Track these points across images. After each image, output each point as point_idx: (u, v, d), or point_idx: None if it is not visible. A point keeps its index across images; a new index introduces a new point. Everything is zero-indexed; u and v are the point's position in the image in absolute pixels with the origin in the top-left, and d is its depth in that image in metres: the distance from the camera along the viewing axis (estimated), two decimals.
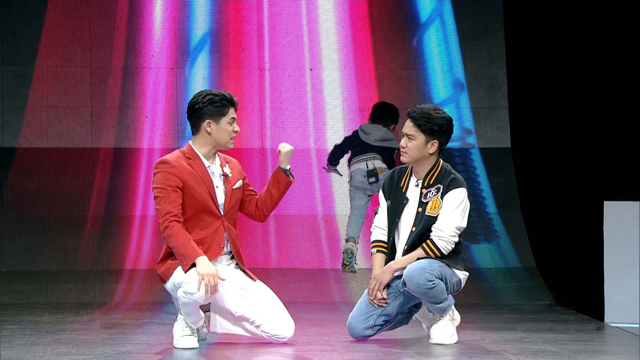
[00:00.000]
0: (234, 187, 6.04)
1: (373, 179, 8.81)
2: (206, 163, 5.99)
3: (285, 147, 6.11)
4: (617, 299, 7.18)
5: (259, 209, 6.18)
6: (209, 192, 5.93)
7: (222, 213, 5.99)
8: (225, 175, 6.02)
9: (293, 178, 6.17)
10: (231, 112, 5.98)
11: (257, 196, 6.19)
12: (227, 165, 6.05)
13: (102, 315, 7.54)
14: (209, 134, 5.95)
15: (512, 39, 9.57)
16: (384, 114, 8.96)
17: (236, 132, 6.01)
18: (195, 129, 5.98)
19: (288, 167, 6.13)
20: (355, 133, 8.91)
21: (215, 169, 6.01)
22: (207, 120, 5.93)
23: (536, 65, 9.60)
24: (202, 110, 5.92)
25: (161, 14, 9.39)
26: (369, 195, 8.88)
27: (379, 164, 8.79)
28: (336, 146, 9.04)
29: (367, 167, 8.78)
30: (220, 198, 6.00)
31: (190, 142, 6.03)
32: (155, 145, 9.24)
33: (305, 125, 9.43)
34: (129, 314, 7.63)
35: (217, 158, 6.05)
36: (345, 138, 9.03)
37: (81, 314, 7.53)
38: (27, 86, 9.18)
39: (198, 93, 6.01)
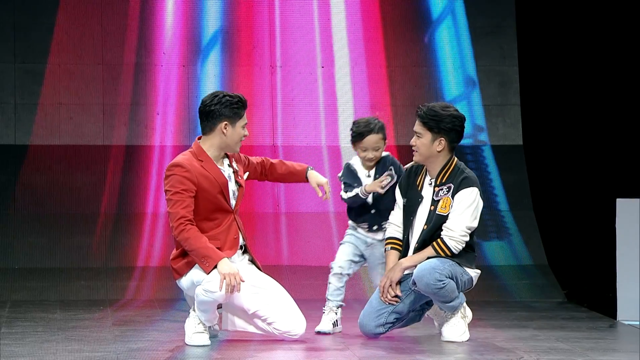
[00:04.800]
0: (244, 180, 6.09)
1: None
2: (217, 164, 6.01)
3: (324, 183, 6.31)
4: (630, 296, 7.15)
5: (264, 175, 6.32)
6: (222, 192, 5.96)
7: (232, 208, 6.02)
8: (235, 171, 6.05)
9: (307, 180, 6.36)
10: (245, 116, 6.02)
11: (268, 161, 6.31)
12: (233, 162, 6.08)
13: (113, 312, 7.54)
14: (224, 135, 5.96)
15: (524, 35, 9.53)
16: None
17: (245, 136, 6.05)
18: (210, 129, 5.98)
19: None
20: None
21: (225, 168, 6.04)
22: (225, 122, 5.94)
23: (548, 62, 9.57)
24: (221, 111, 5.94)
25: (173, 11, 9.38)
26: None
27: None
28: None
29: None
30: (232, 195, 6.02)
31: (199, 142, 6.03)
32: (167, 143, 9.23)
33: (316, 122, 9.41)
34: (141, 311, 7.64)
35: (226, 158, 6.08)
36: None
37: (93, 311, 7.54)
38: (39, 84, 9.17)
39: (214, 94, 6.01)
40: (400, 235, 6.27)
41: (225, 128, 5.95)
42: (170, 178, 5.92)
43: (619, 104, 9.46)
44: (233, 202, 6.03)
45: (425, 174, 6.26)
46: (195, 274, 5.87)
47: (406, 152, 8.81)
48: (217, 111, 5.94)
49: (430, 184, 6.22)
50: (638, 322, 7.03)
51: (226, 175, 6.03)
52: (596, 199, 9.12)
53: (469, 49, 9.54)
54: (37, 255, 8.74)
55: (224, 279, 5.73)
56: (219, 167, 6.02)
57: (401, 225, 6.26)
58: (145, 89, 9.29)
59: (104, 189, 9.05)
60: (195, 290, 5.85)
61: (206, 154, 5.99)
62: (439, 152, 6.17)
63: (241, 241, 6.06)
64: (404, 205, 6.26)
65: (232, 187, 6.04)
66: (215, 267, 5.79)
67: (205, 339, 5.91)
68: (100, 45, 9.28)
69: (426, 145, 6.17)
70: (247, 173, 6.15)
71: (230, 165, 6.06)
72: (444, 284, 5.97)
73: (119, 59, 9.27)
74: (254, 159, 6.26)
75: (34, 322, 6.98)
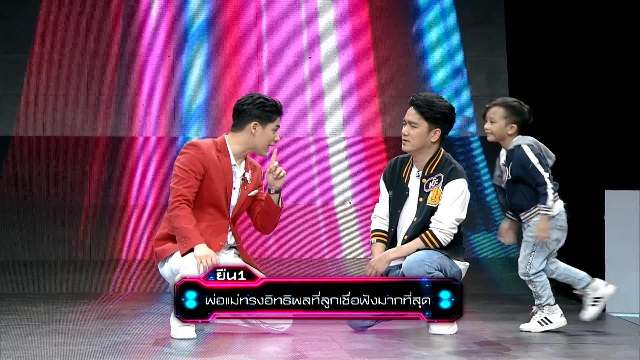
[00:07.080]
0: (248, 194, 6.12)
1: None
2: (233, 161, 6.07)
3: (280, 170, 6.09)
4: (619, 288, 7.13)
5: (261, 227, 6.25)
6: (226, 190, 6.01)
7: (230, 214, 6.04)
8: (244, 179, 6.06)
9: (282, 205, 6.19)
10: (277, 121, 6.09)
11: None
12: (249, 171, 6.10)
13: (98, 305, 7.53)
14: (253, 135, 6.04)
15: (512, 26, 9.51)
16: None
17: (276, 140, 6.11)
18: (240, 127, 6.06)
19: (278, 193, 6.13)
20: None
21: (238, 170, 6.07)
22: (255, 122, 6.03)
23: (537, 52, 9.54)
24: (252, 111, 6.04)
25: (158, 0, 9.34)
26: None
27: None
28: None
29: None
30: (234, 200, 6.10)
31: (226, 136, 6.10)
32: (152, 134, 9.20)
33: (303, 113, 9.38)
34: (126, 304, 7.63)
35: (244, 161, 6.09)
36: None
37: (77, 304, 7.52)
38: (23, 74, 9.13)
39: (250, 95, 6.13)
40: (385, 228, 6.24)
41: (255, 128, 6.04)
42: (185, 156, 6.01)
43: (608, 95, 9.44)
44: (234, 201, 6.06)
45: (412, 166, 6.22)
46: (173, 261, 5.91)
47: (394, 143, 8.79)
48: (249, 110, 6.04)
49: (418, 175, 6.19)
50: (627, 314, 7.02)
51: (238, 176, 6.07)
52: (585, 191, 9.09)
53: (457, 39, 9.52)
54: (21, 248, 8.69)
55: (200, 262, 5.76)
56: (235, 163, 6.06)
57: (386, 218, 6.25)
58: (130, 80, 9.25)
59: (89, 180, 9.01)
60: (174, 279, 5.84)
61: (227, 148, 6.06)
62: (433, 142, 6.15)
63: (231, 242, 6.06)
64: (390, 199, 6.23)
65: (237, 190, 6.08)
66: (192, 250, 5.82)
67: (191, 332, 5.88)
68: (84, 35, 9.23)
69: (422, 135, 6.14)
70: (255, 191, 6.15)
71: (245, 170, 6.08)
72: (433, 276, 5.94)
73: (103, 50, 9.23)
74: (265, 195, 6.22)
75: (17, 315, 6.95)
